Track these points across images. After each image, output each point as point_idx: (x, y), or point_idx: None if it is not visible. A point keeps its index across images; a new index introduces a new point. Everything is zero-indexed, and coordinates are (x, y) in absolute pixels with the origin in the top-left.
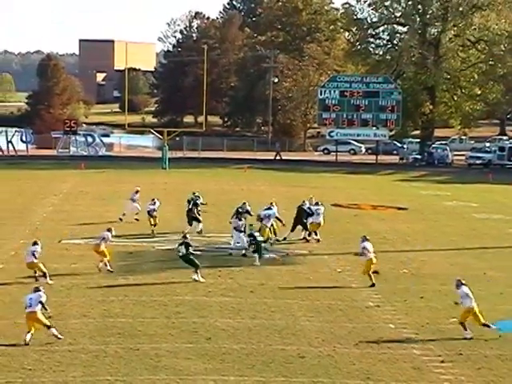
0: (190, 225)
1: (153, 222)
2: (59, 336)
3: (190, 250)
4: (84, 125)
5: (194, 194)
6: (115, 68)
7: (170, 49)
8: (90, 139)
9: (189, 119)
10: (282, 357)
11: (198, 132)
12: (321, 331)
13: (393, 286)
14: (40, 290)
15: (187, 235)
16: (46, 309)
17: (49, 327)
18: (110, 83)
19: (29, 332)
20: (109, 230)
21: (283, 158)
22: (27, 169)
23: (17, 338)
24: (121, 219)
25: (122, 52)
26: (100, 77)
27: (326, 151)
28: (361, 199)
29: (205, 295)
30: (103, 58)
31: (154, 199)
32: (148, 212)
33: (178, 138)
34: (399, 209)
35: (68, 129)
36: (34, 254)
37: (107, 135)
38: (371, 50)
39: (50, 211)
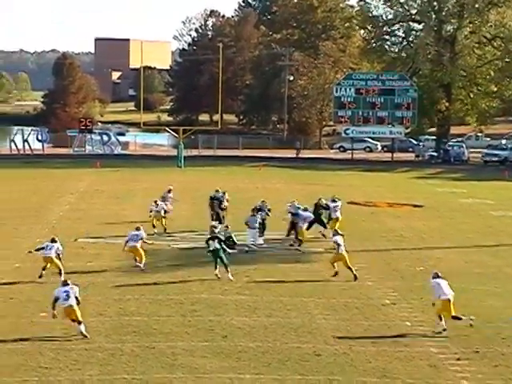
0: (212, 219)
1: (156, 224)
2: (86, 334)
3: (223, 245)
4: (99, 123)
5: (216, 191)
6: (131, 66)
7: (186, 47)
8: (105, 138)
9: (204, 117)
10: (298, 355)
11: (213, 130)
12: (337, 329)
13: (409, 283)
14: (69, 284)
15: (215, 230)
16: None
17: (80, 323)
18: (125, 82)
19: (80, 323)
20: (137, 228)
21: (299, 155)
22: (43, 167)
23: (33, 336)
24: (164, 216)
25: (137, 50)
26: (115, 75)
27: (341, 149)
28: (377, 197)
29: (220, 293)
30: (119, 57)
31: (156, 201)
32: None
33: (193, 137)
34: (415, 206)
35: (83, 127)
36: (57, 254)
37: (123, 134)
38: (387, 47)
39: (67, 210)
